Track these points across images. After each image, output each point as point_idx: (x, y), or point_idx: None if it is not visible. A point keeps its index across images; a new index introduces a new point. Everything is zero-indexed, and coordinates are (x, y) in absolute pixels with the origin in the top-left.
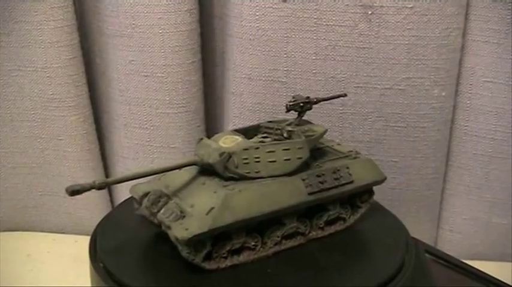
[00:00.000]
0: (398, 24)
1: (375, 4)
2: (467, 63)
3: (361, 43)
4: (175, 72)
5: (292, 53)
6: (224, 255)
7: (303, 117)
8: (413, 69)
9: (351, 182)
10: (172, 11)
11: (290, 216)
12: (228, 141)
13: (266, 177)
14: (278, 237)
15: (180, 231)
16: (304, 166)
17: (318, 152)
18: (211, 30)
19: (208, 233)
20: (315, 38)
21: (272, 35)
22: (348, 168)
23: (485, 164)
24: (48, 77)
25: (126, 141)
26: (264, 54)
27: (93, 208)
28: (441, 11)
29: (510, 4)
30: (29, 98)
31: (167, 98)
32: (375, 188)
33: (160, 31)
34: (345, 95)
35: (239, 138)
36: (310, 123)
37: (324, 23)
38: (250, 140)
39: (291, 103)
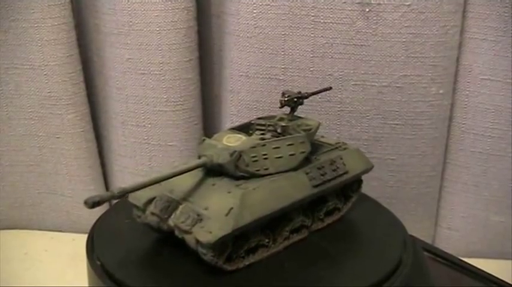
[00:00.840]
0: (396, 22)
1: (372, 2)
2: (465, 61)
3: (359, 41)
4: (173, 70)
5: (290, 50)
6: (242, 255)
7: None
8: (411, 67)
9: (346, 172)
10: (170, 9)
11: (297, 210)
12: (231, 140)
13: (274, 173)
14: (287, 232)
15: (203, 235)
16: (305, 160)
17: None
18: (208, 28)
19: (231, 234)
20: (312, 35)
21: (269, 32)
22: (341, 159)
23: (483, 161)
24: (45, 75)
25: (123, 139)
26: (261, 52)
27: None
28: (439, 9)
29: (508, 2)
30: (26, 96)
31: (164, 96)
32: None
33: (157, 29)
34: (331, 88)
35: (242, 137)
36: (302, 117)
37: (322, 21)
38: (251, 137)
39: (285, 98)
